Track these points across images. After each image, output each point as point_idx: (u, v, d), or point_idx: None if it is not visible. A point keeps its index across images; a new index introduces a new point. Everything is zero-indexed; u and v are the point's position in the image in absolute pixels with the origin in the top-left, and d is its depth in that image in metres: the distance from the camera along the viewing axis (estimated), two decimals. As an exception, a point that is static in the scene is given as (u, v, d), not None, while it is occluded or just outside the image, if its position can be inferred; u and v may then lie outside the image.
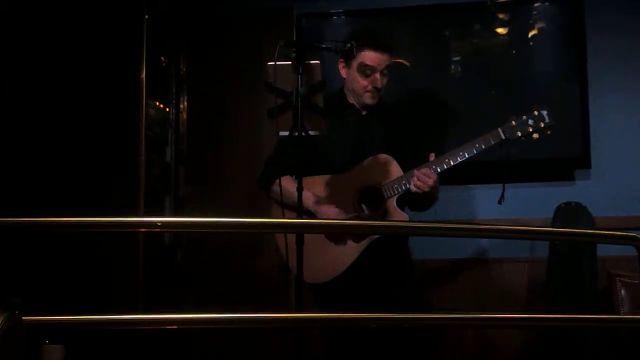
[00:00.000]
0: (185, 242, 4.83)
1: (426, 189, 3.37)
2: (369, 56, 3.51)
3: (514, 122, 3.42)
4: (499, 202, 3.46)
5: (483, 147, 3.39)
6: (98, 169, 4.34)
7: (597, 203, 4.54)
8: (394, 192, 3.43)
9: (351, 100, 3.67)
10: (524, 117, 3.42)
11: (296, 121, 2.97)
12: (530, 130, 3.41)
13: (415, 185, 3.37)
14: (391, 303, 3.45)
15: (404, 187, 3.42)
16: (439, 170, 3.39)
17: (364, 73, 3.54)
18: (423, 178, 3.35)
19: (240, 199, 4.61)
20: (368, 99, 3.59)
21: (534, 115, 3.42)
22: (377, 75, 3.53)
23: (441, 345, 4.45)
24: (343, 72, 3.64)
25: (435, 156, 3.42)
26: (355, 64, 3.54)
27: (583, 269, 4.35)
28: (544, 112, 3.42)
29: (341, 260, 3.44)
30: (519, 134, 3.41)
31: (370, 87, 3.55)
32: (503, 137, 3.40)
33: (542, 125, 3.41)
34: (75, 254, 4.10)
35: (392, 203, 3.44)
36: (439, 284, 4.68)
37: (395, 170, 3.46)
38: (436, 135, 4.72)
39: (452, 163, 3.39)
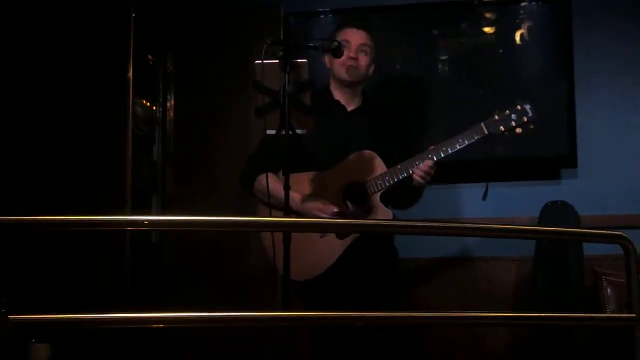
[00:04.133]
0: (173, 241, 4.82)
1: (428, 179, 3.43)
2: (347, 33, 3.62)
3: (496, 117, 3.42)
4: (483, 199, 3.47)
5: (467, 142, 3.40)
6: (85, 167, 4.32)
7: (584, 202, 4.55)
8: (378, 188, 3.44)
9: (337, 96, 3.69)
10: (507, 112, 3.42)
11: (284, 120, 2.98)
12: (514, 124, 3.41)
13: (419, 177, 3.41)
14: (376, 300, 3.46)
15: (387, 184, 3.43)
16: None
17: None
18: (428, 170, 3.40)
19: (228, 198, 4.59)
20: (345, 74, 3.61)
21: (517, 110, 3.41)
22: (354, 48, 3.58)
23: (428, 344, 4.46)
24: (328, 62, 3.68)
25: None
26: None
27: (570, 268, 4.36)
28: (528, 107, 3.41)
29: (326, 257, 3.45)
30: (502, 129, 3.41)
31: (346, 60, 3.56)
32: (486, 132, 3.40)
33: (526, 120, 3.41)
34: (62, 253, 4.09)
35: (377, 199, 3.45)
36: (425, 283, 4.69)
37: (380, 166, 3.47)
38: (422, 132, 4.73)
39: (435, 159, 3.40)
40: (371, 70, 3.70)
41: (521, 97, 4.56)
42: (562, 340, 4.27)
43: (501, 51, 4.82)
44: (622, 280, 3.88)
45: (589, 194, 4.63)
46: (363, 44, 3.61)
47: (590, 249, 4.44)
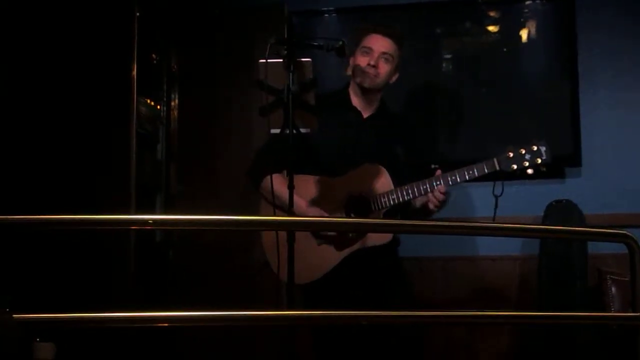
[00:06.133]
0: (177, 240, 4.83)
1: (443, 207, 3.47)
2: (371, 39, 3.57)
3: (510, 154, 3.40)
4: (500, 195, 3.47)
5: (476, 174, 3.40)
6: (89, 166, 4.33)
7: (588, 201, 4.55)
8: (382, 205, 3.43)
9: (354, 102, 3.67)
10: (522, 150, 3.40)
11: (287, 119, 2.97)
12: (526, 165, 3.40)
13: (434, 205, 3.43)
14: (377, 303, 3.45)
15: (392, 202, 3.42)
16: (429, 190, 3.40)
17: (363, 53, 3.56)
18: (443, 199, 3.42)
19: (232, 196, 4.60)
20: (363, 81, 3.57)
21: (532, 151, 3.39)
22: (375, 55, 3.54)
23: (431, 343, 4.46)
24: (349, 68, 3.64)
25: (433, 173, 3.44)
26: (358, 49, 3.58)
27: (574, 266, 4.36)
28: (543, 149, 3.40)
29: (326, 260, 3.44)
30: (514, 167, 3.40)
31: (365, 66, 3.54)
32: (498, 168, 3.40)
33: (539, 161, 3.40)
34: (66, 252, 4.09)
35: (379, 216, 3.43)
36: (429, 282, 4.68)
37: (386, 182, 3.46)
38: (427, 132, 4.74)
39: (442, 185, 3.41)
40: (393, 79, 3.66)
41: (524, 95, 4.65)
42: (566, 339, 4.27)
43: (505, 50, 4.83)
44: (627, 279, 3.88)
45: (593, 193, 4.63)
46: (385, 52, 3.55)
47: (594, 248, 4.44)
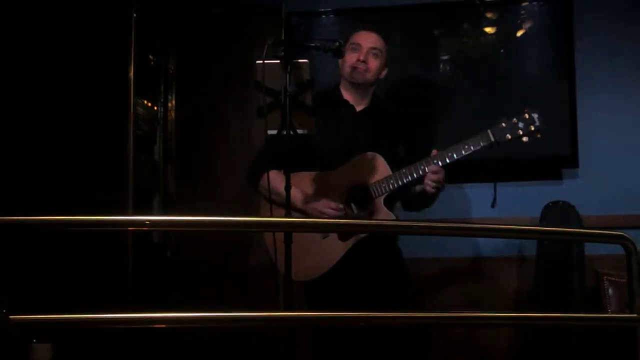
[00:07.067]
0: (174, 241, 4.82)
1: (440, 187, 3.43)
2: (359, 35, 3.62)
3: (503, 124, 3.40)
4: (492, 206, 3.47)
5: (472, 148, 3.39)
6: (86, 167, 4.33)
7: (585, 202, 4.54)
8: (382, 191, 3.43)
9: (346, 96, 3.69)
10: (514, 119, 3.40)
11: (285, 120, 2.98)
12: (520, 133, 3.39)
13: (431, 187, 3.41)
14: (380, 300, 3.45)
15: (391, 187, 3.42)
16: (426, 171, 3.39)
17: (352, 50, 3.60)
18: (437, 178, 3.39)
19: (230, 197, 4.60)
20: (354, 77, 3.60)
21: (525, 118, 3.39)
22: (364, 51, 3.58)
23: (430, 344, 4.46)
24: (340, 63, 3.67)
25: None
26: (347, 46, 3.60)
27: (571, 268, 4.36)
28: (535, 115, 3.39)
29: (327, 258, 3.44)
30: (509, 136, 3.39)
31: (355, 62, 3.58)
32: (492, 139, 3.39)
33: (533, 128, 3.39)
34: (63, 253, 4.09)
35: (380, 202, 3.44)
36: (428, 283, 4.68)
37: (384, 168, 3.46)
38: (426, 134, 4.73)
39: (440, 164, 3.40)
40: (383, 74, 3.68)
41: (522, 96, 4.64)
42: (563, 340, 4.27)
43: (502, 51, 4.82)
44: (624, 280, 3.88)
45: (590, 194, 4.63)
46: (373, 47, 3.59)
47: (592, 249, 4.43)
